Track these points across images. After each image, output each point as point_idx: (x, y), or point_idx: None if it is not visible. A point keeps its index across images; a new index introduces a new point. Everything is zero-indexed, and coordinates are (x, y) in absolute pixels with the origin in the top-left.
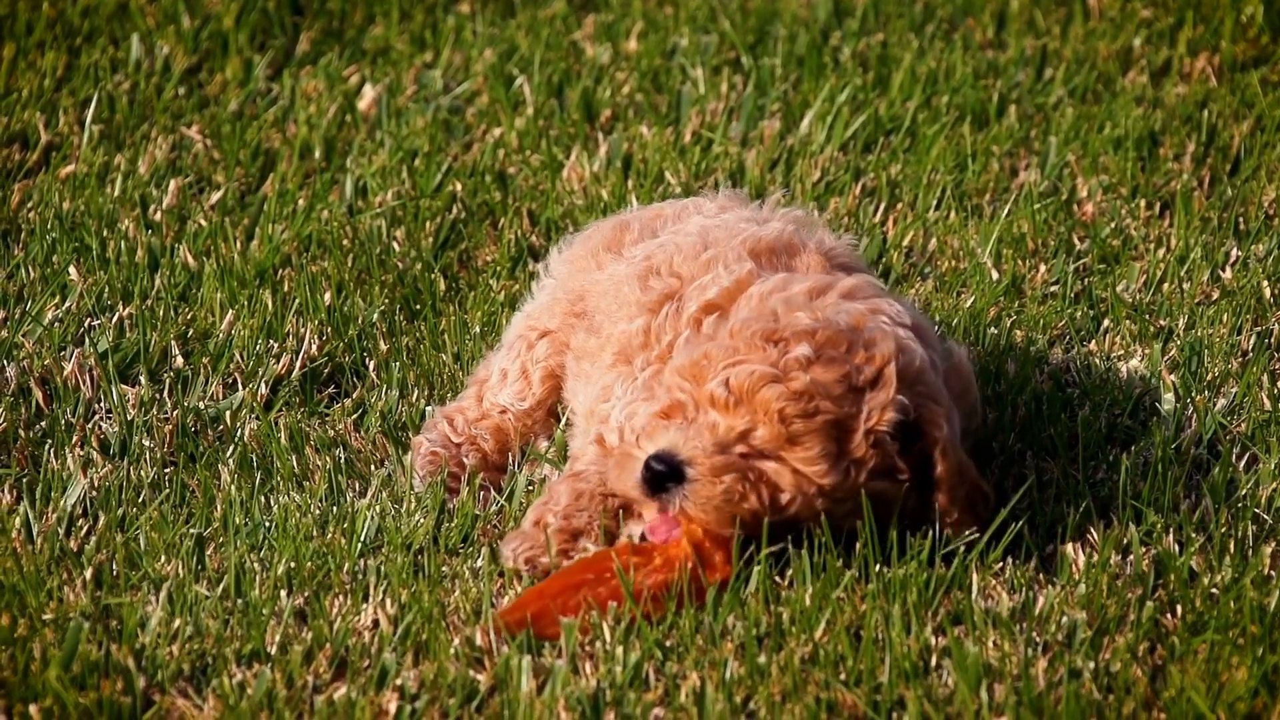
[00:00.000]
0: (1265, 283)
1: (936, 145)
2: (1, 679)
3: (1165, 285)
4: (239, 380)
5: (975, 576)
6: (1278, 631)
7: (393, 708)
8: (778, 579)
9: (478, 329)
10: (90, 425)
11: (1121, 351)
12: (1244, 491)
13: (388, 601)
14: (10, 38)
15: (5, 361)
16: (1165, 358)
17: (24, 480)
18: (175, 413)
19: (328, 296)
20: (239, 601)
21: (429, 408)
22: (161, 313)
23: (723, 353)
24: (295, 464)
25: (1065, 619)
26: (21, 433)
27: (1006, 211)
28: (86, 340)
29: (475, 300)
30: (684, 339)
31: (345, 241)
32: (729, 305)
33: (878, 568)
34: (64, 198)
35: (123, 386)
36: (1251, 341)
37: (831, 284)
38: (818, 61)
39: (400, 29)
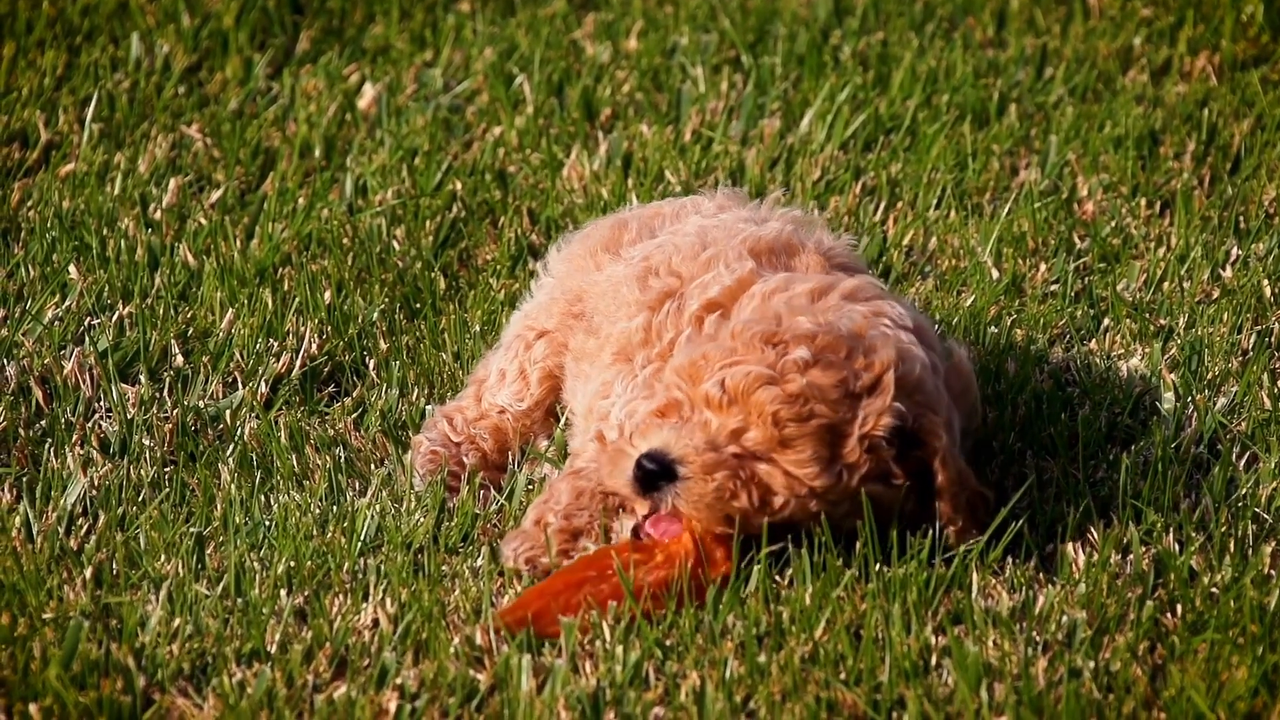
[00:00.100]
0: (1265, 282)
1: (937, 144)
2: (1, 678)
3: (1165, 284)
4: (239, 379)
5: (975, 576)
6: (1278, 631)
7: (393, 707)
8: (778, 578)
9: (478, 328)
10: (90, 424)
11: (1122, 350)
12: (1244, 491)
13: (388, 600)
14: (10, 36)
15: (5, 360)
16: (1165, 357)
17: (24, 479)
18: (175, 412)
19: (328, 295)
20: (239, 601)
21: (429, 407)
22: (161, 311)
23: (721, 353)
24: (295, 463)
25: (1065, 618)
26: (21, 431)
27: (1007, 210)
28: (86, 339)
29: (475, 299)
30: (685, 337)
31: (345, 240)
32: (731, 304)
33: (878, 567)
34: (64, 196)
35: (123, 385)
36: (1252, 340)
37: (833, 284)
38: (818, 60)
39: (400, 28)
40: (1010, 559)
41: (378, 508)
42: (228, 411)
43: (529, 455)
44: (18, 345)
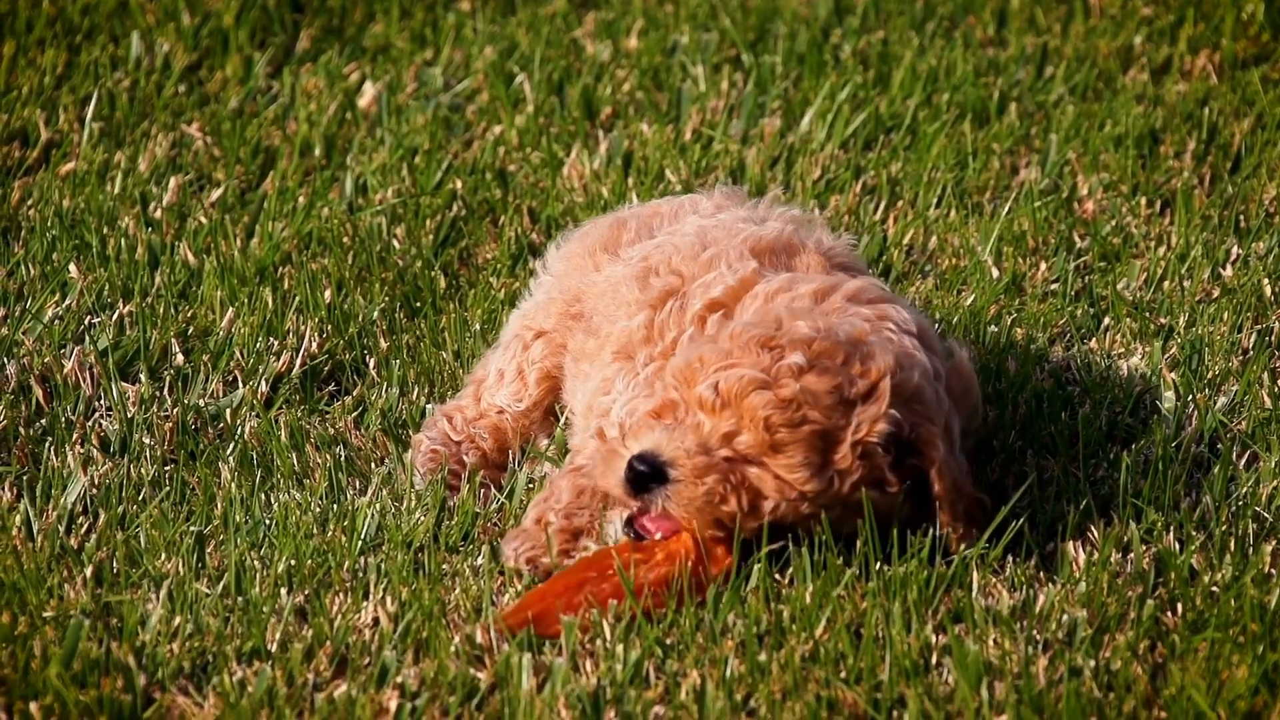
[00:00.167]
0: (1266, 281)
1: (937, 143)
2: (2, 676)
3: (1166, 283)
4: (239, 378)
5: (975, 574)
6: (1278, 630)
7: (393, 705)
8: (778, 577)
9: (478, 327)
10: (90, 423)
11: (1122, 349)
12: (1244, 490)
13: (388, 599)
14: (10, 35)
15: (5, 359)
16: (1166, 356)
17: (24, 478)
18: (175, 410)
19: (328, 294)
20: (239, 599)
21: (429, 405)
22: (162, 310)
23: (716, 356)
24: (295, 462)
25: (1066, 617)
26: (22, 430)
27: (1007, 209)
28: (87, 338)
29: (475, 298)
30: (687, 336)
31: (345, 239)
32: (733, 304)
33: (878, 566)
34: (64, 195)
35: (123, 384)
36: (1252, 339)
37: (837, 285)
38: (818, 59)
39: (400, 26)
40: (1011, 558)
41: (378, 506)
42: (228, 410)
43: (529, 454)
44: (18, 344)
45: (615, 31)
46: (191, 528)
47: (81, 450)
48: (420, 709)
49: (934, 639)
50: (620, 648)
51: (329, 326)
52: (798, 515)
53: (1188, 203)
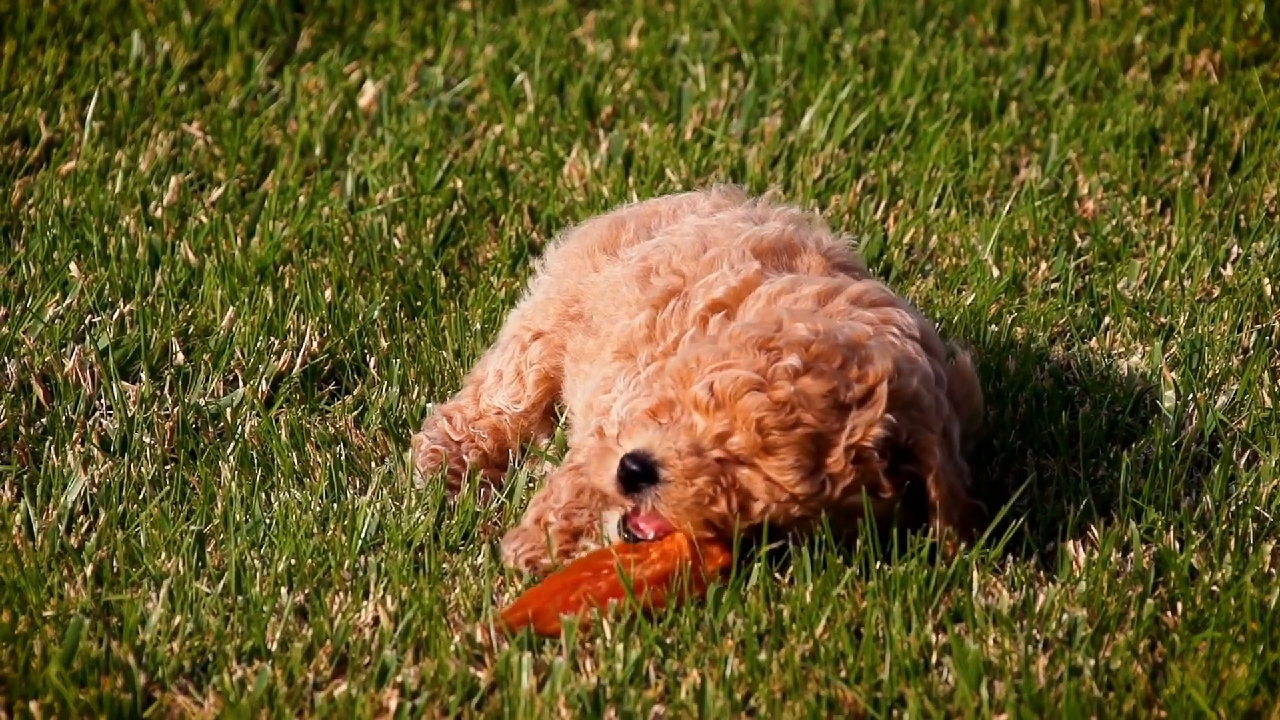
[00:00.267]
0: (1266, 280)
1: (937, 142)
2: (2, 676)
3: (1166, 282)
4: (239, 377)
5: (976, 574)
6: (1278, 629)
7: (393, 705)
8: (778, 576)
9: (478, 326)
10: (91, 422)
11: (1122, 349)
12: (1244, 489)
13: (388, 598)
14: (11, 34)
15: (6, 358)
16: (1166, 355)
17: (24, 477)
18: (176, 409)
19: (328, 293)
20: (239, 598)
21: (429, 405)
22: (162, 309)
23: (713, 356)
24: (296, 461)
25: (1066, 616)
26: (22, 429)
27: (1007, 209)
28: (87, 337)
29: (476, 297)
30: (689, 337)
31: (346, 238)
32: (736, 305)
33: (878, 565)
34: (65, 194)
35: (123, 383)
36: (1252, 339)
37: (840, 288)
38: (819, 58)
39: (401, 26)
40: (1011, 557)
41: (378, 505)
42: (228, 409)
43: (530, 453)
44: (18, 343)
45: (616, 31)
46: (192, 527)
47: (82, 449)
48: (420, 708)
49: (934, 638)
50: (620, 647)
51: (329, 326)
52: (788, 518)
53: (1188, 202)
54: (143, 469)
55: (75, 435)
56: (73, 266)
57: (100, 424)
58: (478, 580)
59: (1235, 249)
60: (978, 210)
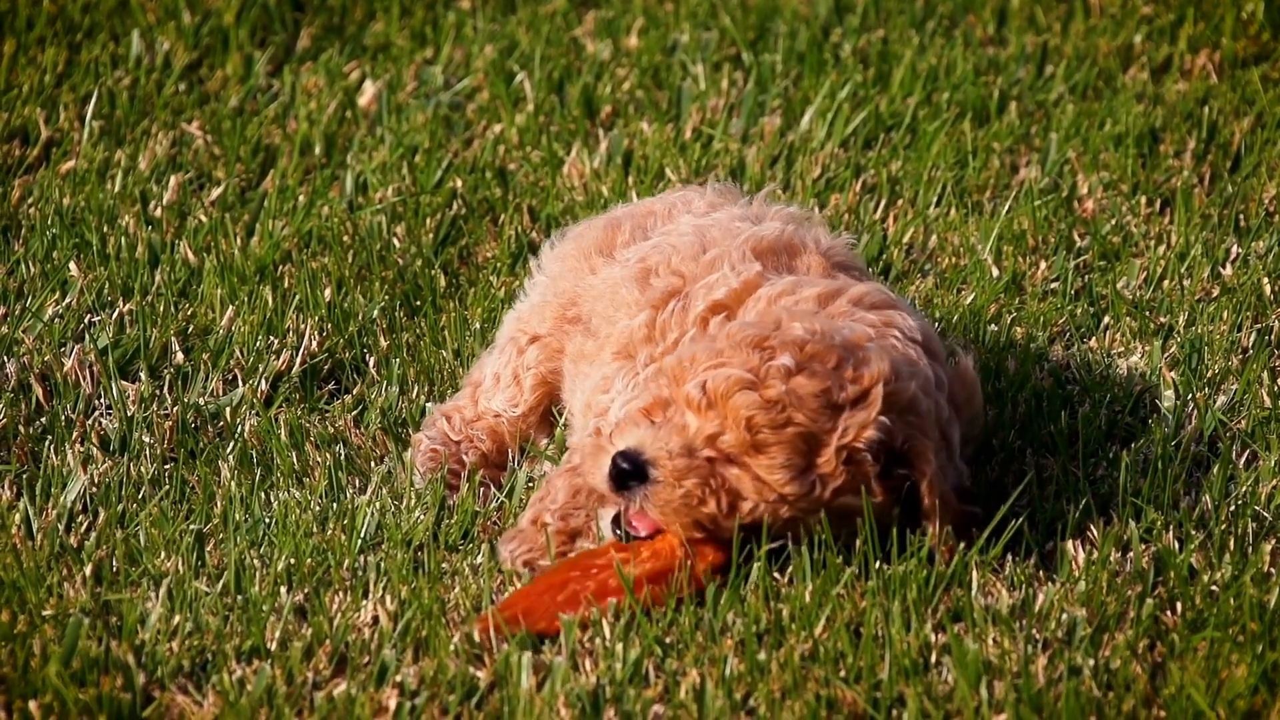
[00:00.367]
0: (1265, 280)
1: (937, 142)
2: (1, 675)
3: (1165, 282)
4: (239, 376)
5: (975, 573)
6: (1277, 629)
7: (392, 704)
8: (777, 575)
9: (478, 325)
10: (90, 421)
11: (1122, 348)
12: (1244, 489)
13: (387, 598)
14: (11, 33)
15: (5, 357)
16: (1165, 355)
17: (24, 476)
18: (175, 409)
19: (328, 293)
20: (239, 598)
21: (429, 404)
22: (162, 309)
23: (707, 355)
24: (295, 460)
25: (1065, 616)
26: (21, 429)
27: (1007, 208)
28: (86, 336)
29: (475, 297)
30: (689, 338)
31: (345, 238)
32: (737, 306)
33: (878, 564)
34: (64, 194)
35: (123, 383)
36: (1251, 338)
37: (841, 290)
38: (818, 58)
39: (401, 25)
40: (1010, 557)
41: (378, 505)
42: (228, 409)
43: (529, 453)
44: (18, 342)
45: (615, 30)
46: (191, 526)
47: (81, 449)
48: (420, 708)
49: (933, 638)
50: (620, 646)
51: (329, 325)
52: (777, 518)
53: (1187, 202)
54: (142, 468)
55: (75, 434)
56: (72, 266)
57: (100, 423)
58: (477, 580)
59: (1235, 249)
60: (977, 210)
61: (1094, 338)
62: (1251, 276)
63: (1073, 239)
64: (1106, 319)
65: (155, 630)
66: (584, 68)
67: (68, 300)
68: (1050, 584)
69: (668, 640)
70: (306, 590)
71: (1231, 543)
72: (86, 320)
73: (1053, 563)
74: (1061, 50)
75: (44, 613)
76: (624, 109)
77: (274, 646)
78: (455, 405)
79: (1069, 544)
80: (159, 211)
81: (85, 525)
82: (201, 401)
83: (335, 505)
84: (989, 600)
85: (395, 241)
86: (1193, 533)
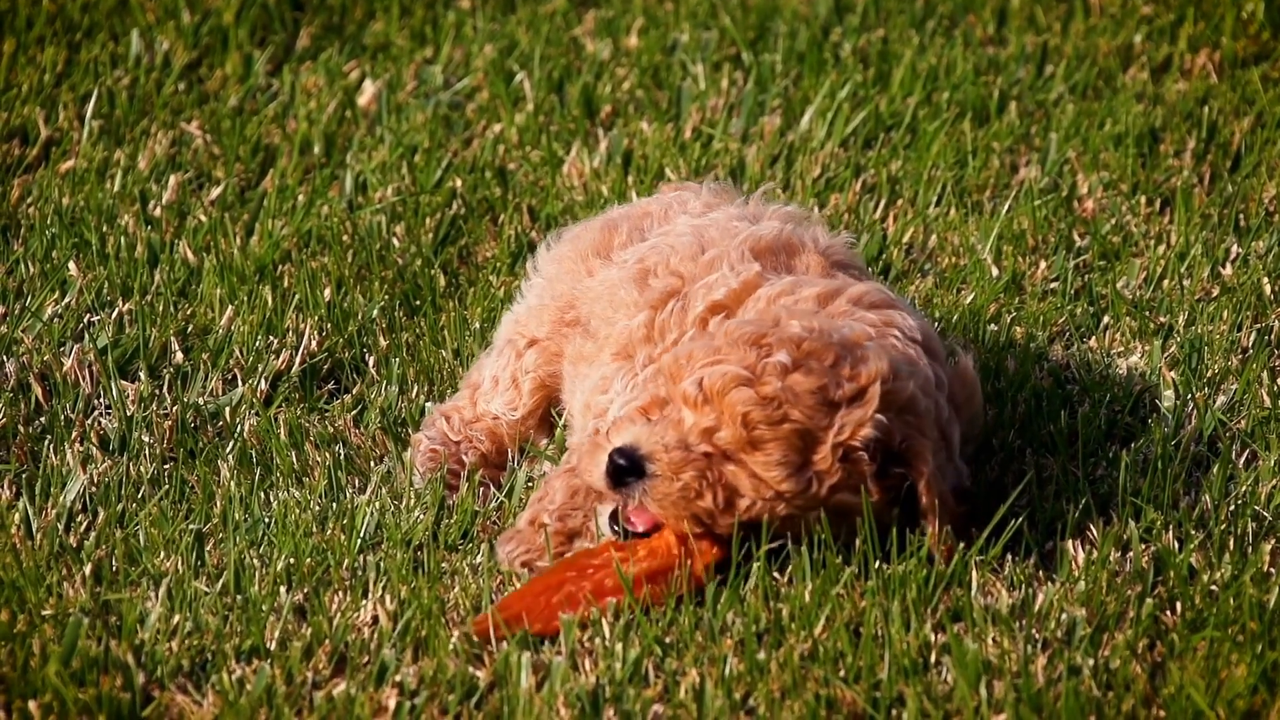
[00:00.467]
0: (1265, 279)
1: (937, 141)
2: (1, 675)
3: (1165, 282)
4: (238, 376)
5: (975, 573)
6: (1277, 629)
7: (392, 704)
8: (777, 575)
9: (478, 325)
10: (90, 421)
11: (1121, 348)
12: (1244, 488)
13: (387, 598)
14: (10, 33)
15: (5, 357)
16: (1165, 354)
17: (23, 476)
18: (175, 408)
19: (327, 292)
20: (238, 597)
21: (428, 404)
22: (161, 308)
23: (705, 352)
24: (295, 460)
25: (1065, 616)
26: (21, 428)
27: (1007, 208)
28: (86, 336)
29: (475, 296)
30: (688, 338)
31: (345, 237)
32: (736, 306)
33: (877, 564)
34: (64, 193)
35: (122, 382)
36: (1251, 338)
37: (841, 289)
38: (818, 58)
39: (400, 24)
40: (1010, 556)
41: (377, 505)
42: (227, 408)
43: (529, 453)
44: (17, 342)
45: (615, 30)
46: (190, 526)
47: (81, 448)
48: (419, 707)
49: (933, 638)
50: (619, 646)
51: (328, 325)
52: (774, 515)
53: (1187, 201)
54: (142, 468)
55: (74, 434)
56: (71, 265)
57: (99, 423)
58: (477, 579)
59: (1235, 248)
60: (977, 209)
61: (1094, 337)
62: (1251, 276)
63: (1073, 239)
64: (1106, 319)
65: (155, 630)
66: (584, 67)
67: (67, 300)
68: (1050, 584)
69: (667, 640)
70: (306, 590)
71: (1231, 542)
72: (86, 320)
73: (1052, 562)
74: (1061, 50)
75: (43, 612)
76: (624, 109)
77: (273, 646)
78: (454, 405)
79: (1069, 544)
80: (158, 211)
81: (85, 525)
82: (201, 401)
83: (335, 505)
84: (989, 600)
85: (395, 241)
86: (1192, 532)
